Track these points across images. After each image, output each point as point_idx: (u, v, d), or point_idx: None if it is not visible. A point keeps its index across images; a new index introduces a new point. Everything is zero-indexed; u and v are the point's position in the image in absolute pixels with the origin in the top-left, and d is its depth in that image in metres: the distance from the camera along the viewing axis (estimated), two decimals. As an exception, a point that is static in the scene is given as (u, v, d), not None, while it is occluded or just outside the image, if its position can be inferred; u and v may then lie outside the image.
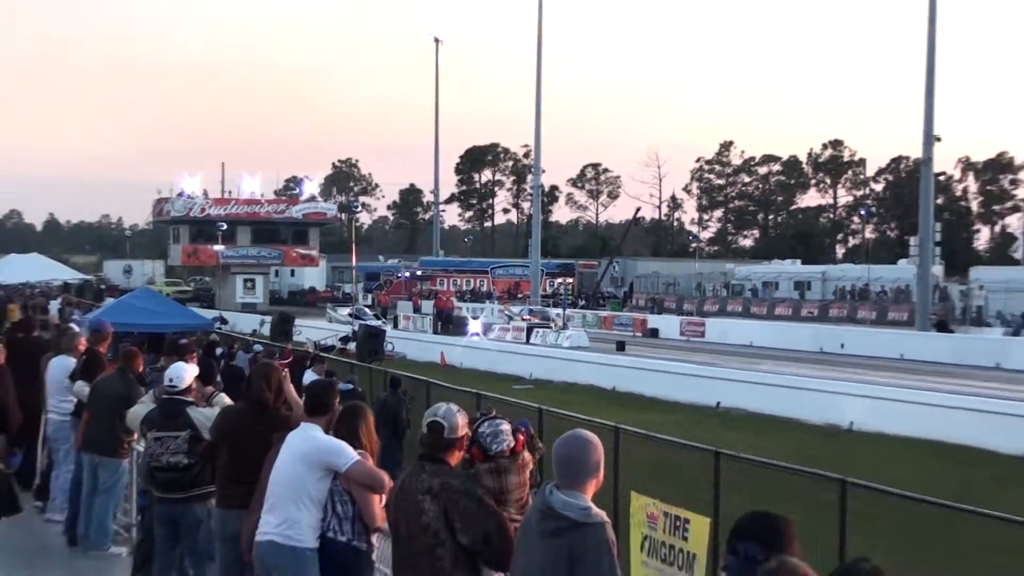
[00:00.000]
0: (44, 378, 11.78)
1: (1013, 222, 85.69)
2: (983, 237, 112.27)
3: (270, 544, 6.45)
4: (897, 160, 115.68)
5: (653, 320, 59.69)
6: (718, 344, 49.59)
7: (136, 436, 9.94)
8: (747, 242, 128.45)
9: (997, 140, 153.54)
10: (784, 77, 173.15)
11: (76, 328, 14.87)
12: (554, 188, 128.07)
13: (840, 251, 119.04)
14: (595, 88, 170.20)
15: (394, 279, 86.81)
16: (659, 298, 75.01)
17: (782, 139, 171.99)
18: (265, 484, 6.59)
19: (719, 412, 28.79)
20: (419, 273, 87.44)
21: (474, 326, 50.70)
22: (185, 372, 8.76)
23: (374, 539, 6.52)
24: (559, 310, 60.92)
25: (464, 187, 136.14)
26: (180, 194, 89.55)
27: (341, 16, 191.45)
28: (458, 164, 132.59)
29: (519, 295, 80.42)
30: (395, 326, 55.48)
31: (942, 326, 49.31)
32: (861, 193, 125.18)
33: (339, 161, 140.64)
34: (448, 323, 54.52)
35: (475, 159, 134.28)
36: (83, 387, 11.09)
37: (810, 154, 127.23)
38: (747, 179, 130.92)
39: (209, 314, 45.20)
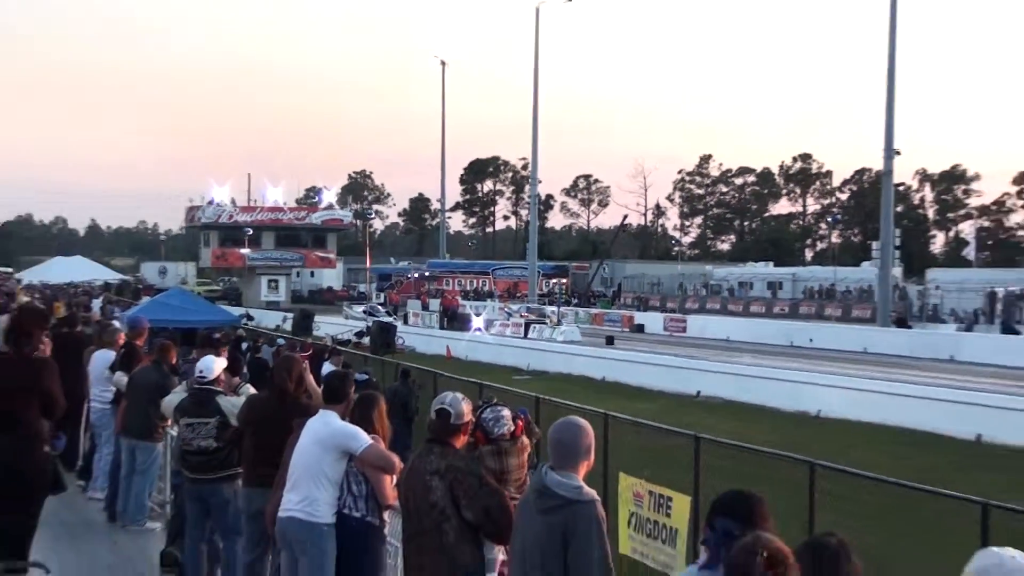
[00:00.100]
0: (87, 369, 11.79)
1: (965, 228, 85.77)
2: (938, 242, 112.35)
3: (291, 520, 6.45)
4: (860, 172, 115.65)
5: (639, 317, 59.70)
6: (698, 339, 49.57)
7: (170, 422, 9.94)
8: (724, 246, 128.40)
9: (952, 153, 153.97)
10: (758, 95, 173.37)
11: (116, 324, 14.88)
12: (549, 197, 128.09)
13: (809, 254, 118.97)
14: (587, 106, 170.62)
15: (404, 279, 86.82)
16: (644, 297, 75.06)
17: (756, 152, 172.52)
18: (287, 465, 6.58)
19: (699, 400, 28.81)
20: (427, 274, 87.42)
21: (477, 322, 50.65)
22: (214, 364, 8.75)
23: (386, 515, 6.52)
24: (554, 308, 60.98)
25: (468, 196, 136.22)
26: (210, 202, 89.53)
27: (357, 40, 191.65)
28: (462, 175, 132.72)
29: (518, 294, 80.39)
30: (405, 322, 55.46)
31: (901, 322, 49.33)
32: (828, 202, 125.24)
33: (354, 172, 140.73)
34: (453, 319, 54.50)
35: (478, 170, 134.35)
36: (122, 377, 11.10)
37: (782, 166, 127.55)
38: (724, 189, 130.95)
39: (236, 311, 45.15)
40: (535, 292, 72.34)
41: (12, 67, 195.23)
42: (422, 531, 5.52)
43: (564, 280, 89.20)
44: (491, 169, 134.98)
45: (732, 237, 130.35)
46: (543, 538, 4.67)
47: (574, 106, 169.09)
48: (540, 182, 77.13)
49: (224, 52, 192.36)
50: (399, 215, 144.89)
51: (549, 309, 59.82)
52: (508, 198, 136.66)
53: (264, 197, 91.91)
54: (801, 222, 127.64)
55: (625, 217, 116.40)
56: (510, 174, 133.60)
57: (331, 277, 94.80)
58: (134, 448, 10.54)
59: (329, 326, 48.41)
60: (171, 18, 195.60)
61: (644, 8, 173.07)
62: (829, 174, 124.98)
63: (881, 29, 47.17)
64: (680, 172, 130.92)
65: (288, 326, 47.57)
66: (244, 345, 21.15)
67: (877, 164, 53.72)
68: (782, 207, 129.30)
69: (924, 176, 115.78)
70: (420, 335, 48.73)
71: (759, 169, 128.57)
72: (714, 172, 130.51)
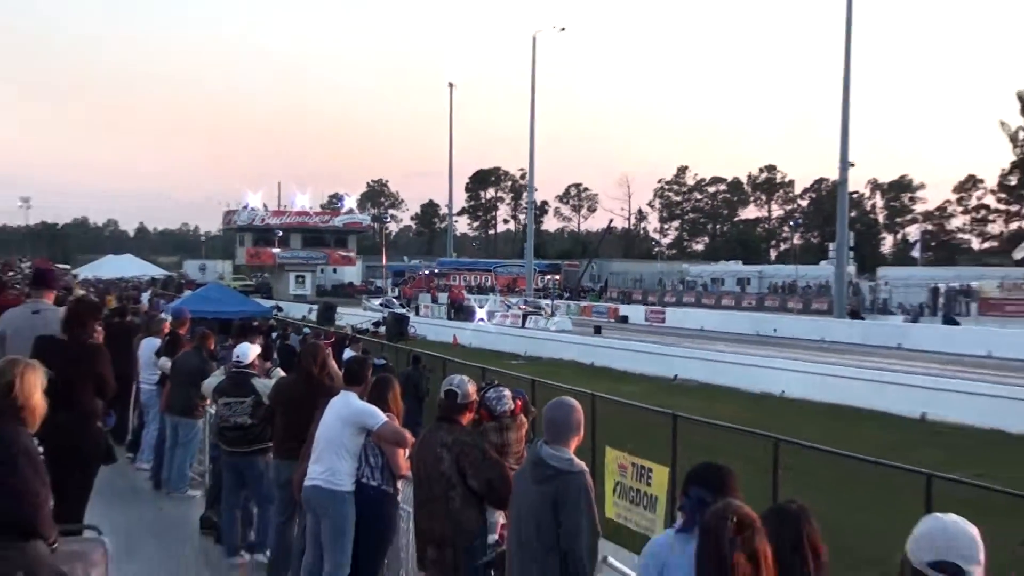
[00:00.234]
0: (136, 355, 11.78)
1: (911, 231, 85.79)
2: (888, 243, 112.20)
3: (315, 488, 6.46)
4: (819, 181, 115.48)
5: (624, 309, 59.69)
6: (676, 328, 49.58)
7: (209, 401, 9.93)
8: (699, 247, 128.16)
9: (900, 165, 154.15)
10: (729, 113, 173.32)
11: (161, 315, 14.88)
12: (544, 203, 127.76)
13: (773, 254, 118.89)
14: (578, 121, 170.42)
15: (416, 276, 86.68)
16: (628, 292, 75.01)
17: (727, 164, 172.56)
18: (312, 440, 6.59)
19: (676, 383, 28.85)
20: (436, 271, 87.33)
21: (480, 314, 50.68)
22: (249, 351, 8.76)
23: (399, 484, 6.53)
24: (548, 301, 60.97)
25: (472, 202, 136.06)
26: (245, 207, 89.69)
27: (377, 65, 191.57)
28: (468, 183, 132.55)
29: (516, 289, 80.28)
30: (417, 313, 55.43)
31: (855, 314, 49.35)
32: (790, 208, 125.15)
33: (372, 181, 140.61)
34: (459, 311, 54.49)
35: (481, 180, 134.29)
36: (166, 362, 11.11)
37: (749, 176, 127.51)
38: (699, 196, 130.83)
39: (268, 303, 45.15)
40: (531, 287, 72.32)
41: (68, 84, 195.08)
42: (432, 498, 5.53)
43: (557, 276, 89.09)
44: (493, 178, 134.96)
45: (706, 239, 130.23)
46: (538, 504, 4.67)
47: (567, 121, 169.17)
48: (536, 190, 77.74)
49: (259, 78, 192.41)
50: (412, 219, 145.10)
51: (544, 302, 59.79)
52: (508, 204, 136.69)
53: (293, 202, 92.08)
54: (766, 226, 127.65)
55: (611, 221, 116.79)
56: (510, 183, 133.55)
57: (351, 274, 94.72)
58: (177, 424, 10.56)
59: (350, 317, 48.41)
60: (215, 46, 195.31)
61: (630, 36, 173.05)
62: (791, 183, 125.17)
63: (838, 55, 47.36)
64: (660, 181, 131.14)
65: (313, 317, 47.59)
66: (274, 334, 21.13)
67: (833, 174, 53.70)
68: (750, 212, 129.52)
69: (875, 185, 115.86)
70: (430, 325, 48.75)
71: (729, 179, 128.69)
72: (690, 181, 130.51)
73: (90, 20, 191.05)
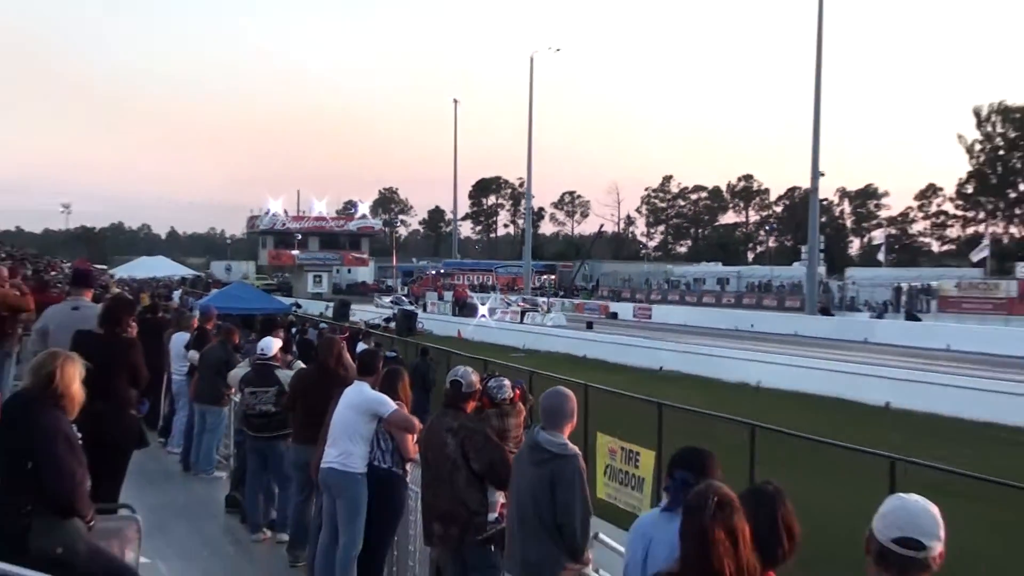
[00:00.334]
0: (167, 348, 11.78)
1: (876, 235, 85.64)
2: (855, 246, 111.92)
3: (331, 470, 6.45)
4: (792, 189, 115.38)
5: (613, 306, 59.67)
6: (661, 324, 49.63)
7: (234, 390, 9.92)
8: (682, 249, 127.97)
9: (866, 174, 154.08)
10: (710, 127, 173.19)
11: (190, 311, 14.87)
12: (541, 209, 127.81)
13: (750, 256, 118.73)
14: (572, 134, 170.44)
15: (424, 275, 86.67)
16: (617, 290, 74.90)
17: (708, 173, 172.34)
18: (328, 426, 6.58)
19: (661, 374, 28.85)
20: (442, 271, 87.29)
21: (482, 310, 50.60)
22: (272, 344, 8.77)
23: (408, 466, 6.52)
24: (545, 299, 60.99)
25: (475, 208, 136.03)
26: (267, 212, 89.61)
27: (388, 81, 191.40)
28: (471, 191, 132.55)
29: (515, 288, 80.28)
30: (424, 310, 55.46)
31: (825, 311, 49.32)
32: (766, 214, 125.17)
33: (384, 188, 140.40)
34: (463, 308, 54.44)
35: (483, 188, 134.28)
36: (195, 354, 11.12)
37: (729, 185, 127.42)
38: (682, 203, 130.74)
39: (288, 301, 45.14)
40: (529, 286, 72.32)
41: (106, 100, 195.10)
42: (438, 479, 5.53)
43: (553, 276, 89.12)
44: (494, 186, 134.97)
45: (688, 242, 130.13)
46: (535, 485, 4.68)
47: (562, 134, 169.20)
48: (533, 197, 77.66)
49: (282, 95, 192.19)
50: (420, 223, 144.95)
51: (540, 300, 59.82)
52: (507, 210, 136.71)
53: (311, 208, 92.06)
54: (744, 230, 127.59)
55: (602, 226, 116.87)
56: (509, 190, 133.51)
57: (364, 273, 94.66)
58: (204, 412, 10.56)
59: (363, 313, 48.37)
60: (243, 67, 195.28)
61: (620, 56, 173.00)
62: (767, 191, 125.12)
63: (810, 74, 47.35)
64: (646, 189, 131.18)
65: (330, 313, 47.53)
66: (294, 329, 21.12)
67: (805, 183, 53.71)
68: (729, 218, 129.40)
69: (843, 193, 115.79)
70: (436, 320, 48.74)
71: (710, 187, 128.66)
72: (674, 189, 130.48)
73: (127, 44, 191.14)
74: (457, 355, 20.37)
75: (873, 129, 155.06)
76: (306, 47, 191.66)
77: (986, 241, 64.19)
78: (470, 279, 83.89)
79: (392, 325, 41.47)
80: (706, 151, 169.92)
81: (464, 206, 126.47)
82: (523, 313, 51.44)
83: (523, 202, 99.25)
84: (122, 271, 79.09)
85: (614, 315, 55.82)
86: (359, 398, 6.48)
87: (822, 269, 57.79)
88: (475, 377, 5.78)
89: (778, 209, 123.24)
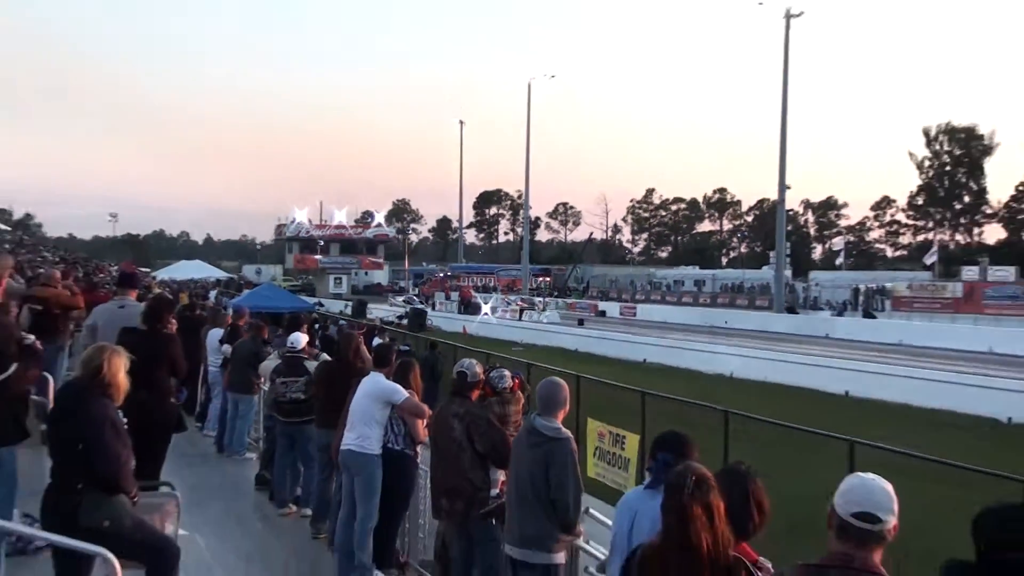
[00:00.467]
0: (204, 342, 11.76)
1: (836, 241, 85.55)
2: (817, 251, 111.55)
3: (350, 452, 6.45)
4: (761, 200, 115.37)
5: (602, 305, 59.68)
6: (644, 321, 49.64)
7: (263, 380, 9.91)
8: (663, 254, 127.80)
9: (827, 187, 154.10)
10: (688, 144, 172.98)
11: (224, 310, 14.85)
12: (537, 218, 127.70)
13: (724, 260, 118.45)
14: (565, 150, 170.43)
15: (433, 278, 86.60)
16: (606, 291, 74.80)
17: (687, 186, 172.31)
18: (347, 412, 6.58)
19: (644, 365, 28.85)
20: (449, 274, 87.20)
21: (485, 309, 50.58)
22: (301, 339, 8.79)
23: (418, 448, 6.52)
24: (541, 299, 60.94)
25: (479, 218, 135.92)
26: (293, 221, 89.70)
27: (402, 103, 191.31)
28: (475, 202, 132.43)
29: (515, 288, 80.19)
30: (433, 308, 55.42)
31: (791, 310, 49.32)
32: (738, 222, 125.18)
33: (397, 200, 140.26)
34: (468, 307, 54.45)
35: (486, 199, 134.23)
36: (228, 348, 11.09)
37: (705, 196, 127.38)
38: (664, 213, 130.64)
39: (311, 300, 45.10)
40: (527, 287, 72.20)
41: (149, 120, 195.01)
42: (445, 459, 5.53)
43: (548, 278, 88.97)
44: (495, 198, 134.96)
45: (669, 248, 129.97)
46: (532, 465, 4.67)
47: (556, 150, 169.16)
48: (531, 207, 77.43)
49: (307, 114, 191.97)
50: (429, 231, 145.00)
51: (537, 299, 59.78)
52: (507, 219, 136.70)
53: (332, 218, 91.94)
54: (719, 237, 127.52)
55: (591, 233, 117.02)
56: (509, 202, 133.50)
57: (380, 276, 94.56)
58: (237, 399, 10.53)
59: (378, 311, 48.38)
60: (271, 90, 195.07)
61: (608, 81, 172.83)
62: (739, 202, 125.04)
63: (778, 97, 47.37)
64: (632, 200, 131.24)
65: (349, 311, 47.51)
66: (316, 325, 21.10)
67: (773, 195, 53.79)
68: (705, 226, 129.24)
69: (807, 204, 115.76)
70: (444, 318, 48.75)
71: (688, 199, 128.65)
72: (656, 200, 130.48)
73: (170, 71, 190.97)
74: (463, 349, 20.35)
75: (834, 146, 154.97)
76: (329, 74, 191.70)
77: (935, 247, 64.27)
78: (474, 281, 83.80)
79: (404, 322, 41.42)
80: (685, 167, 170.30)
81: (469, 216, 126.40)
82: (521, 311, 51.45)
83: (521, 212, 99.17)
84: (163, 273, 78.91)
85: (603, 313, 55.82)
86: (375, 387, 6.47)
87: (788, 272, 57.71)
88: (479, 369, 5.78)
89: (749, 219, 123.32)
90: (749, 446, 9.93)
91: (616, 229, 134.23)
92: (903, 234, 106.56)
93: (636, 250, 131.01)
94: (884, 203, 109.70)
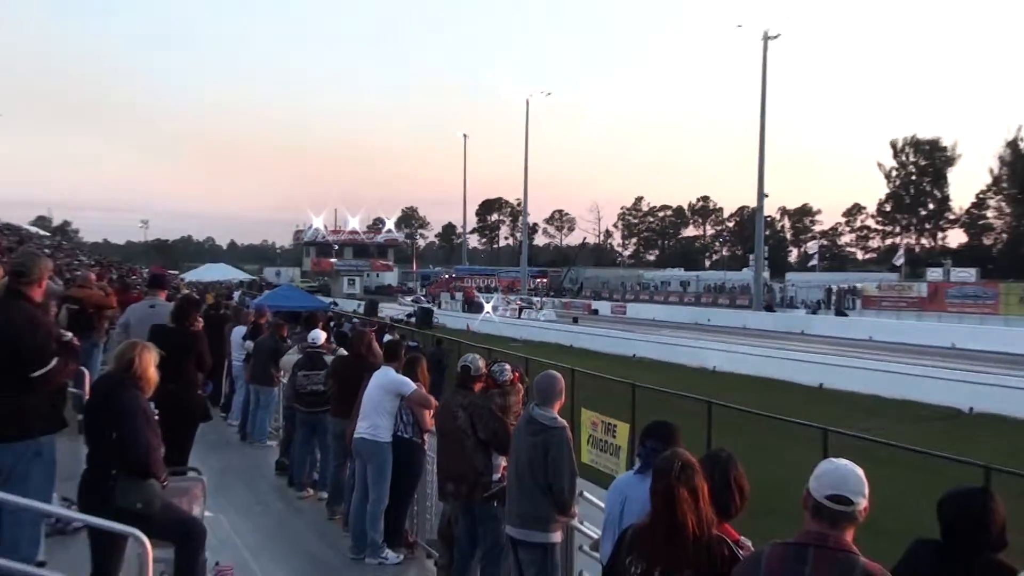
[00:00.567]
0: (228, 338, 11.75)
1: (811, 245, 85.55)
2: (793, 255, 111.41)
3: (362, 439, 6.45)
4: (742, 208, 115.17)
5: (595, 304, 59.68)
6: (634, 319, 49.65)
7: (282, 373, 9.90)
8: (651, 257, 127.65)
9: (802, 195, 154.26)
10: (674, 156, 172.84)
11: (247, 309, 14.85)
12: (535, 224, 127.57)
13: (707, 263, 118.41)
14: (560, 161, 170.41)
15: (439, 279, 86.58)
16: (598, 291, 74.80)
17: (673, 195, 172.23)
18: (360, 403, 6.57)
19: (634, 360, 28.86)
20: (454, 275, 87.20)
21: (487, 308, 50.62)
22: (320, 335, 8.82)
23: (426, 436, 6.52)
24: (538, 298, 60.92)
25: (481, 224, 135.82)
26: (310, 227, 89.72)
27: (412, 118, 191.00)
28: (478, 210, 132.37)
29: (514, 289, 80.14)
30: (439, 307, 55.44)
31: (769, 308, 49.33)
32: (720, 228, 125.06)
33: (406, 207, 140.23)
34: (471, 306, 54.49)
35: (488, 207, 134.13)
36: (250, 344, 11.08)
37: (689, 204, 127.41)
38: (651, 219, 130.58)
39: (327, 300, 45.11)
40: (526, 288, 72.21)
41: (176, 132, 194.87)
42: (451, 446, 5.52)
43: (545, 280, 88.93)
44: (496, 206, 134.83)
45: (656, 251, 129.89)
46: (530, 451, 4.67)
47: (552, 161, 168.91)
48: (529, 214, 77.43)
49: (323, 127, 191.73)
50: (435, 236, 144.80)
51: (535, 299, 59.77)
52: (508, 225, 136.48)
53: (346, 224, 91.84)
54: (702, 241, 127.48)
55: (585, 238, 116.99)
56: (509, 209, 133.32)
57: (390, 278, 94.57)
58: (258, 391, 10.52)
59: (389, 310, 48.45)
60: (290, 105, 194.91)
61: (597, 96, 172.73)
62: (721, 209, 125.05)
63: (756, 114, 47.43)
64: (622, 208, 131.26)
65: (361, 310, 47.52)
66: (332, 323, 21.06)
67: (753, 203, 53.64)
68: (690, 232, 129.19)
69: (784, 211, 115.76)
70: (449, 316, 48.77)
71: (674, 206, 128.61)
72: (644, 208, 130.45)
73: (196, 87, 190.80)
74: (466, 345, 20.36)
75: (809, 157, 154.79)
76: (344, 93, 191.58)
77: (901, 251, 64.25)
78: (477, 282, 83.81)
79: (413, 320, 41.46)
80: (671, 176, 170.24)
81: (472, 222, 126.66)
82: (521, 310, 51.47)
83: (521, 219, 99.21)
84: (191, 275, 78.80)
85: (596, 312, 55.81)
86: (385, 380, 6.47)
87: (767, 274, 57.75)
88: (481, 363, 5.77)
89: (730, 224, 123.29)
90: (730, 434, 9.92)
91: (608, 234, 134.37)
92: (872, 238, 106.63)
93: (626, 253, 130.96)
94: (855, 210, 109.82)
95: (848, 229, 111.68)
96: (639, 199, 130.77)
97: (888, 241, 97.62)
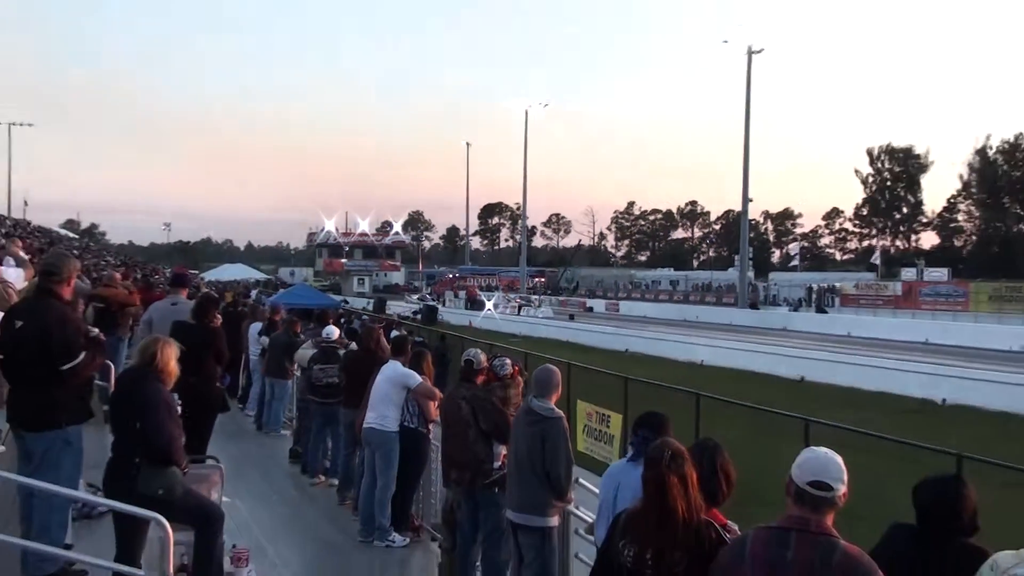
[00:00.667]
0: (245, 334, 11.74)
1: (792, 247, 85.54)
2: (776, 255, 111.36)
3: (371, 429, 6.44)
4: (727, 211, 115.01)
5: (590, 302, 59.63)
6: (627, 316, 49.61)
7: (295, 367, 9.88)
8: (643, 258, 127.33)
9: (784, 199, 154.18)
10: (663, 163, 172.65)
11: (263, 306, 14.83)
12: (533, 227, 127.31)
13: (695, 263, 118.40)
14: (557, 167, 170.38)
15: (443, 278, 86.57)
16: (593, 290, 74.78)
17: (663, 199, 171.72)
18: (368, 394, 6.57)
19: (627, 354, 28.82)
20: (457, 275, 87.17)
21: (488, 305, 50.56)
22: (335, 331, 8.82)
23: (430, 426, 6.51)
24: (537, 297, 60.87)
25: (483, 226, 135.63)
26: (322, 230, 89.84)
27: (418, 125, 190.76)
28: (479, 213, 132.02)
29: (514, 288, 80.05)
30: (443, 305, 55.41)
31: (753, 306, 49.31)
32: (707, 230, 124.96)
33: (412, 211, 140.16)
34: (473, 303, 54.43)
35: (489, 211, 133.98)
36: (266, 339, 11.08)
37: (678, 208, 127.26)
38: (643, 222, 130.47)
39: (338, 298, 45.05)
40: (525, 287, 72.16)
41: (196, 142, 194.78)
42: (454, 435, 5.52)
43: (542, 279, 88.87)
44: (497, 210, 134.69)
45: (648, 252, 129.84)
46: (529, 441, 4.66)
47: (550, 167, 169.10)
48: (528, 218, 77.40)
49: (336, 135, 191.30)
50: (440, 238, 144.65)
51: (533, 297, 59.72)
52: (508, 228, 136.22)
53: (356, 226, 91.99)
54: (691, 243, 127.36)
55: (580, 240, 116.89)
56: (509, 213, 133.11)
57: (397, 277, 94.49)
58: (273, 384, 10.52)
59: (396, 307, 48.40)
60: (304, 115, 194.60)
61: (591, 108, 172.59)
62: (708, 213, 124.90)
63: (741, 122, 47.35)
64: (615, 211, 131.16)
65: (370, 307, 47.48)
66: (342, 320, 21.07)
67: (738, 207, 53.61)
68: (679, 234, 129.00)
69: (767, 214, 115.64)
70: (453, 313, 48.74)
71: (664, 210, 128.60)
72: (636, 212, 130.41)
73: (216, 97, 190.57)
74: (469, 340, 20.33)
75: (790, 164, 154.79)
76: (356, 101, 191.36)
77: (878, 252, 64.34)
78: (479, 281, 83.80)
79: (419, 317, 41.43)
80: (661, 182, 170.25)
81: (474, 225, 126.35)
82: (520, 308, 51.42)
83: (520, 222, 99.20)
84: (210, 275, 78.79)
85: (590, 309, 55.76)
86: (393, 373, 6.46)
87: (751, 273, 57.70)
88: (483, 357, 5.77)
89: (717, 227, 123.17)
90: (717, 424, 9.91)
91: (602, 236, 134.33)
92: (850, 240, 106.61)
93: (619, 254, 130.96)
94: (834, 213, 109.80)
95: (827, 231, 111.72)
96: (631, 203, 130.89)
97: (865, 243, 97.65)
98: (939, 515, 2.83)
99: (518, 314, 48.55)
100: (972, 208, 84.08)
